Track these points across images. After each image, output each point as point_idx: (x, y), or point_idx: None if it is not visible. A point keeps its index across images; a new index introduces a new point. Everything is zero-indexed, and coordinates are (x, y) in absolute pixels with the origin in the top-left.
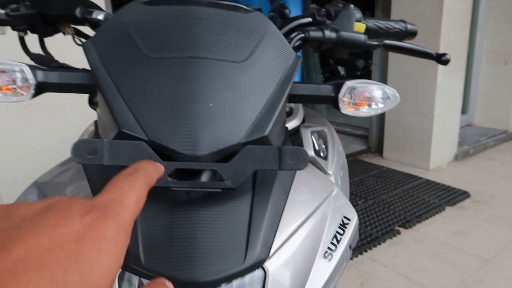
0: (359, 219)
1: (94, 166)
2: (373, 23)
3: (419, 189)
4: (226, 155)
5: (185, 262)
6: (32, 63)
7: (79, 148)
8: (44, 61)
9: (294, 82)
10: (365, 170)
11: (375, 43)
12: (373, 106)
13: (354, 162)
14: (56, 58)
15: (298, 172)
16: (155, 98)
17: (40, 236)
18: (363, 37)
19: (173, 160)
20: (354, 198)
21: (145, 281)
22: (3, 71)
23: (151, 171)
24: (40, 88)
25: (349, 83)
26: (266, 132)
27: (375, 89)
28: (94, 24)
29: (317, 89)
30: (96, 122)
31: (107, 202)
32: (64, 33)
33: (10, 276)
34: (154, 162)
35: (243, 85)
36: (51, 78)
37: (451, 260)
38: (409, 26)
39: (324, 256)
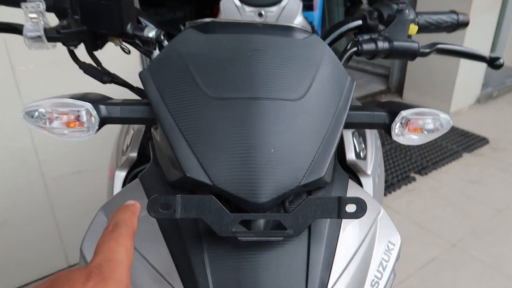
0: None
1: (158, 192)
2: (424, 19)
3: None
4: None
5: None
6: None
7: (155, 203)
8: (95, 73)
9: (349, 111)
10: None
11: (428, 50)
12: (426, 134)
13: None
14: (103, 63)
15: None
16: (218, 142)
17: None
18: (416, 45)
19: (236, 205)
20: None
21: None
22: (69, 111)
23: (129, 219)
24: (103, 123)
25: (403, 113)
26: (323, 174)
27: (429, 121)
28: (144, 41)
29: (371, 117)
30: (151, 144)
31: (100, 264)
32: (113, 43)
33: None
34: (129, 205)
35: (301, 124)
36: (113, 113)
37: (464, 209)
38: (461, 17)
39: (372, 284)
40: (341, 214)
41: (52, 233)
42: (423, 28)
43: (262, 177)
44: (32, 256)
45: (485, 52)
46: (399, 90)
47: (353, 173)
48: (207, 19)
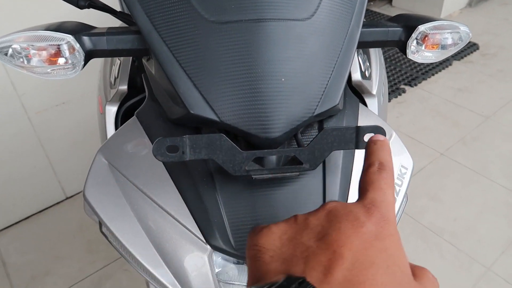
0: None
1: (159, 130)
2: None
3: None
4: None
5: None
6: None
7: (160, 146)
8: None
9: (362, 28)
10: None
11: None
12: (443, 50)
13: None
14: None
15: (358, 122)
16: (222, 73)
17: (351, 237)
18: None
19: (245, 140)
20: None
21: (234, 261)
22: (47, 45)
23: (391, 160)
24: (89, 56)
25: (421, 28)
26: (337, 101)
27: (449, 36)
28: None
29: (385, 34)
30: (144, 77)
31: (375, 203)
32: None
33: (356, 273)
34: (383, 142)
35: (313, 47)
36: (99, 45)
37: (452, 117)
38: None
39: None
40: (359, 145)
41: (45, 167)
42: None
43: (273, 109)
44: (29, 190)
45: None
46: None
47: (357, 92)
48: None
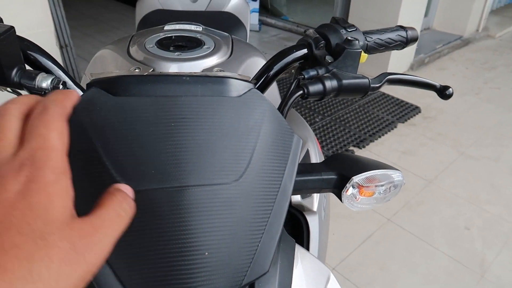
0: (317, 138)
1: None
2: (373, 42)
3: (374, 104)
4: None
5: None
6: None
7: None
8: None
9: (296, 177)
10: None
11: (378, 84)
12: (378, 198)
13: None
14: None
15: (294, 268)
16: (138, 249)
17: None
18: (366, 82)
19: None
20: (312, 115)
21: None
22: None
23: (60, 100)
24: None
25: (355, 179)
26: (267, 268)
27: (382, 187)
28: (36, 93)
29: (320, 182)
30: None
31: (32, 154)
32: None
33: None
34: (64, 91)
35: (240, 211)
36: None
37: None
38: (409, 33)
39: None
40: None
41: None
42: (372, 50)
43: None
44: None
45: (410, 53)
46: None
47: (297, 210)
48: (114, 73)
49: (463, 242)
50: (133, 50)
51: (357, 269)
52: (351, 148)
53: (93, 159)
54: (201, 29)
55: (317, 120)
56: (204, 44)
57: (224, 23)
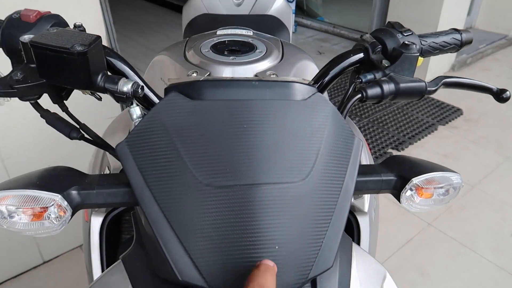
0: None
1: (145, 284)
2: (428, 45)
3: (414, 105)
4: None
5: None
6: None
7: None
8: (61, 127)
9: (357, 178)
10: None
11: (435, 88)
12: (437, 200)
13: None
14: None
15: (352, 266)
16: (215, 239)
17: None
18: (423, 85)
19: None
20: (349, 117)
21: None
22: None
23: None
24: (77, 209)
25: (415, 181)
26: (331, 264)
27: (442, 189)
28: (118, 96)
29: (379, 183)
30: (134, 220)
31: None
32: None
33: None
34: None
35: (307, 210)
36: (88, 199)
37: None
38: (464, 36)
39: None
40: None
41: None
42: (427, 54)
43: None
44: (5, 253)
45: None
46: None
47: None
48: (193, 77)
49: (509, 249)
50: (190, 54)
51: (397, 273)
52: (390, 150)
53: (173, 157)
54: (251, 33)
55: (354, 122)
56: (257, 48)
57: (269, 26)
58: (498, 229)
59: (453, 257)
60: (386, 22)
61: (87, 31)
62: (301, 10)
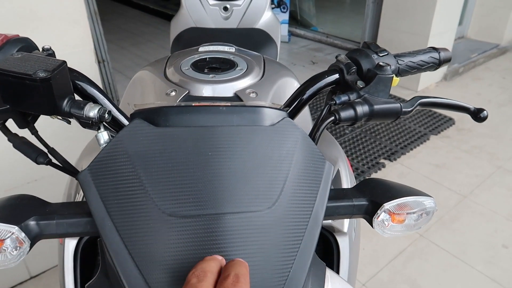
0: (346, 151)
1: None
2: (405, 64)
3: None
4: None
5: None
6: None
7: None
8: (29, 152)
9: (327, 203)
10: None
11: (410, 108)
12: (409, 225)
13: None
14: None
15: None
16: (178, 272)
17: None
18: (398, 107)
19: None
20: (341, 127)
21: None
22: None
23: (246, 275)
24: (35, 240)
25: (386, 206)
26: None
27: (414, 214)
28: (83, 122)
29: (351, 208)
30: (100, 249)
31: None
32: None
33: None
34: (244, 263)
35: (274, 238)
36: (48, 230)
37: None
38: (442, 54)
39: None
40: None
41: None
42: (404, 73)
43: None
44: None
45: (439, 73)
46: None
47: (327, 231)
48: (157, 104)
49: (501, 261)
50: (170, 72)
51: (388, 286)
52: (382, 160)
53: (136, 186)
54: (233, 50)
55: (347, 132)
56: (237, 66)
57: (255, 40)
58: (490, 240)
59: (445, 268)
60: (362, 43)
61: (75, 44)
62: (295, 20)
